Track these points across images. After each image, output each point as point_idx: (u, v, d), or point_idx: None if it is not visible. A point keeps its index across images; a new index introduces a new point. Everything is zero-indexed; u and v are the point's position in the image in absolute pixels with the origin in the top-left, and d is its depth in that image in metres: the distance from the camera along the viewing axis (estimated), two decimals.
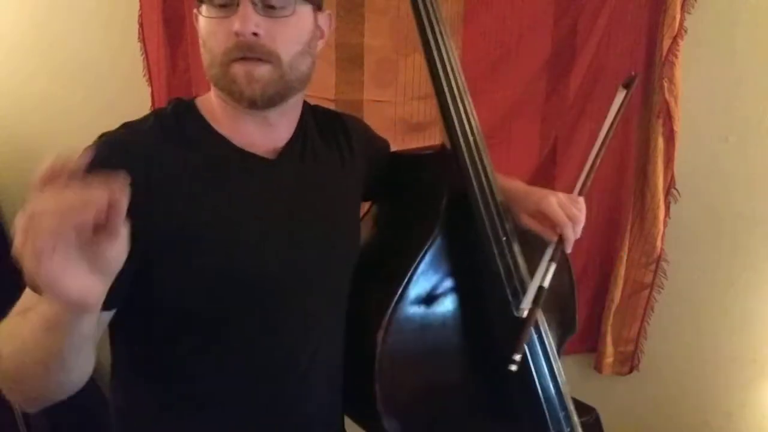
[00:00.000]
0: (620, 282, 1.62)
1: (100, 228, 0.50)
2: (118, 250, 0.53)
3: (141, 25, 1.85)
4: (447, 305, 0.89)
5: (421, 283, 0.85)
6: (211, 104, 0.82)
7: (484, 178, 0.88)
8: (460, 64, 0.91)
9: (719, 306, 1.61)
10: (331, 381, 0.89)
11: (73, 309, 0.55)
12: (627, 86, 0.98)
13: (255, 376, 0.80)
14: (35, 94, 2.14)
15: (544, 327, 0.95)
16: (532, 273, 0.87)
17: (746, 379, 1.63)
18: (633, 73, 1.01)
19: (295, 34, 0.78)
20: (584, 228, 1.74)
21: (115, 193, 0.49)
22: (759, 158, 1.48)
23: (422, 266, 0.85)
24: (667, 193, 1.54)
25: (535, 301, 0.82)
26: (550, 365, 0.94)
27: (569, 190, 1.70)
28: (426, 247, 0.86)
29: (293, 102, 0.84)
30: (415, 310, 0.85)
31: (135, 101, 1.93)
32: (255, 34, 0.74)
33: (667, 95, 1.45)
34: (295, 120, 0.87)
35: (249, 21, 0.73)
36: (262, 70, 0.76)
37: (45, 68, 2.09)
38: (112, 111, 2.13)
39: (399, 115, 1.61)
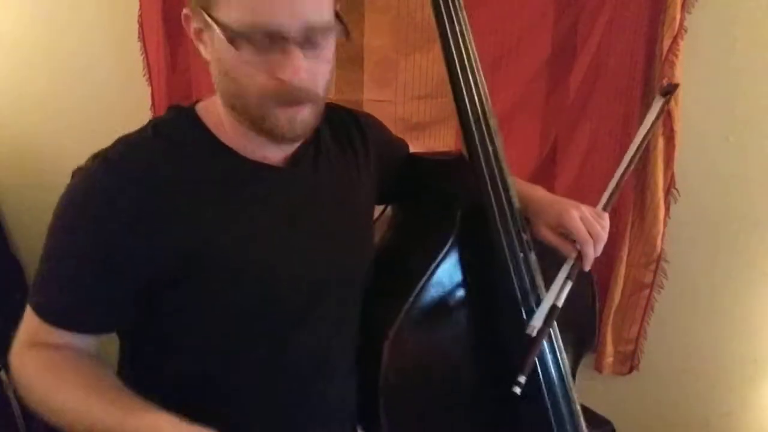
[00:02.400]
0: (620, 282, 1.61)
1: None
2: None
3: (141, 24, 1.85)
4: (459, 319, 0.86)
5: (432, 294, 0.82)
6: (216, 114, 0.76)
7: (501, 188, 0.84)
8: (479, 63, 0.88)
9: (719, 306, 1.60)
10: (348, 381, 0.88)
11: None
12: (666, 94, 0.94)
13: (276, 376, 0.79)
14: (35, 93, 2.14)
15: (559, 344, 0.90)
16: (548, 289, 0.83)
17: (746, 378, 1.63)
18: (669, 82, 0.97)
19: (329, 66, 0.73)
20: None
21: None
22: (759, 158, 1.48)
23: (434, 278, 0.82)
24: (667, 193, 1.54)
25: (546, 321, 0.79)
26: (564, 386, 0.89)
27: (570, 191, 1.70)
28: (439, 258, 0.83)
29: None
30: (425, 323, 0.82)
31: (135, 101, 1.93)
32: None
33: None
34: None
35: (300, 71, 0.67)
36: (305, 113, 0.71)
37: (45, 68, 2.09)
38: (112, 111, 2.15)
39: (399, 115, 1.61)
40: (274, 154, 0.78)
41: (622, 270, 1.60)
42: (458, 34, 0.86)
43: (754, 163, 1.49)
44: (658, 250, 1.58)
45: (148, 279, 0.69)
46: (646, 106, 1.51)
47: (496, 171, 0.85)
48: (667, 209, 1.55)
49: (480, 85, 0.87)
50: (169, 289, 0.71)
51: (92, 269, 0.69)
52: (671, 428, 1.75)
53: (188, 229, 0.70)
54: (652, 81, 1.48)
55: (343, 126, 0.90)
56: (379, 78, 1.63)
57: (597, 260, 1.63)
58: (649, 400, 1.74)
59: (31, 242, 2.41)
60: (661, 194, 1.52)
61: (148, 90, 1.89)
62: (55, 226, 0.70)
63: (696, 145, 1.51)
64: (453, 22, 0.86)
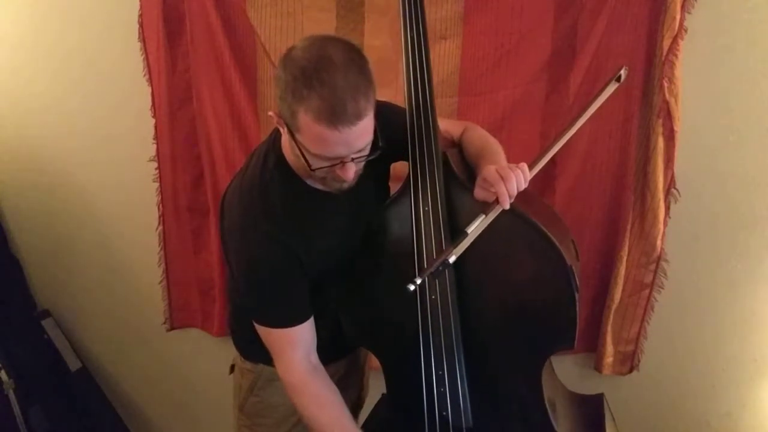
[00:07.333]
0: (620, 282, 1.62)
1: None
2: None
3: (141, 25, 1.85)
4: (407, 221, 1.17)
5: (400, 204, 1.19)
6: (294, 162, 1.12)
7: (426, 157, 1.13)
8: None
9: (719, 306, 1.61)
10: None
11: None
12: (619, 79, 1.03)
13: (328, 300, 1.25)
14: (35, 94, 2.14)
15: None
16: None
17: (746, 378, 1.63)
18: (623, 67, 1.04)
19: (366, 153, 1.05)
20: (584, 228, 1.74)
21: None
22: (759, 158, 1.48)
23: (393, 208, 1.21)
24: (667, 193, 1.54)
25: (454, 242, 1.01)
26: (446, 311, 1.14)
27: (570, 191, 1.70)
28: (402, 192, 1.20)
29: None
30: (394, 218, 1.20)
31: (135, 101, 1.93)
32: None
33: (667, 95, 1.45)
34: None
35: (351, 174, 1.03)
36: (349, 183, 1.07)
37: (45, 69, 2.09)
38: (112, 111, 2.15)
39: None
40: None
41: (622, 270, 1.61)
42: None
43: (754, 162, 1.49)
44: (658, 250, 1.58)
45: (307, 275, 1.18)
46: (647, 107, 1.52)
47: (425, 142, 1.14)
48: (667, 209, 1.56)
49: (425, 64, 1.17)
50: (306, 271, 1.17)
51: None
52: (671, 428, 1.75)
53: (310, 239, 1.14)
54: (652, 81, 1.48)
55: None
56: (379, 78, 1.61)
57: (597, 260, 1.65)
58: (649, 400, 1.74)
59: (31, 242, 2.41)
60: (661, 194, 1.53)
61: (148, 90, 1.89)
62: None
63: (696, 145, 1.51)
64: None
